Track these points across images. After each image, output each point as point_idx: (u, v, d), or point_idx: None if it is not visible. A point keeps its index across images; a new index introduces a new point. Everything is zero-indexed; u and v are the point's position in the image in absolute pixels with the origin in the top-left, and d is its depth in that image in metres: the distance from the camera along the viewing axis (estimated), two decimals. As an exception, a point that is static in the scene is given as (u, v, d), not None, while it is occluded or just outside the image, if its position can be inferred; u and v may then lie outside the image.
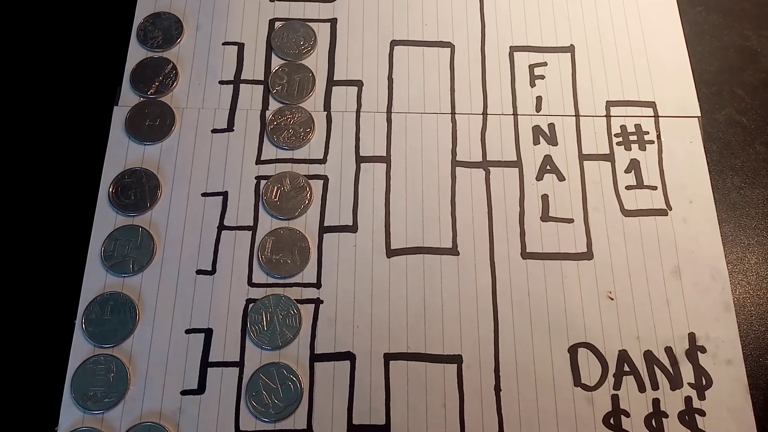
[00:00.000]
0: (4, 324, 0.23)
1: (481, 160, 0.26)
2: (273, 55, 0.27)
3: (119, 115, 0.26)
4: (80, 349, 0.22)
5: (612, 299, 0.24)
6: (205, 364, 0.22)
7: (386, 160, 0.26)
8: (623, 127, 0.27)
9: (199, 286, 0.23)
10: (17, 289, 0.23)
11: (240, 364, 0.22)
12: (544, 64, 0.27)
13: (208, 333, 0.23)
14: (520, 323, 0.23)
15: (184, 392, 0.22)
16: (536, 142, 0.26)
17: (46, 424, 0.21)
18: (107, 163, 0.25)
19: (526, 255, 0.24)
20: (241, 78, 0.27)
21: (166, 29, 0.27)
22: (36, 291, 0.23)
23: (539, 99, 0.27)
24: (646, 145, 0.27)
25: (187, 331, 0.23)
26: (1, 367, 0.22)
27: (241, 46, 0.27)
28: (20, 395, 0.22)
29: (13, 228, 0.24)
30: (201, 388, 0.22)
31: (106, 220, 0.24)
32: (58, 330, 0.22)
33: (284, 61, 0.27)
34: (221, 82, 0.26)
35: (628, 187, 0.26)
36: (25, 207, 0.24)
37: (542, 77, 0.27)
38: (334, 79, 0.27)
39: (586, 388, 0.22)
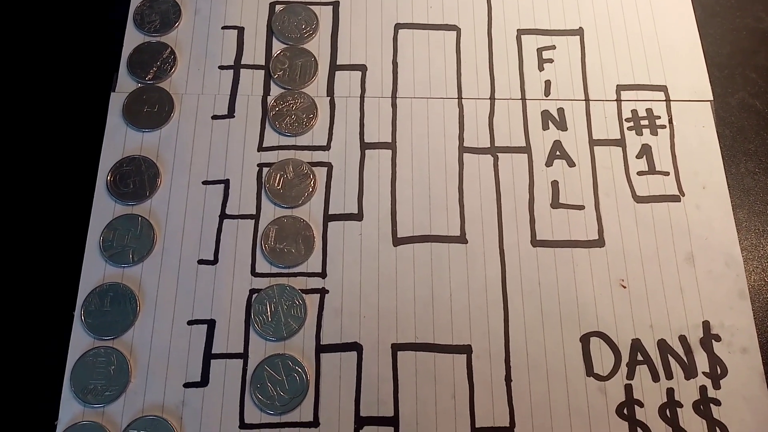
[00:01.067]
0: (2, 317, 0.22)
1: (489, 145, 0.25)
2: (274, 39, 0.26)
3: (117, 101, 0.25)
4: (80, 341, 0.22)
5: (624, 287, 0.23)
6: (208, 356, 0.21)
7: (391, 146, 0.25)
8: (634, 112, 0.26)
9: (201, 276, 0.23)
10: (14, 280, 0.23)
11: (244, 356, 0.22)
12: (553, 47, 0.27)
13: (211, 324, 0.22)
14: (531, 312, 0.23)
15: (186, 385, 0.21)
16: (545, 127, 0.26)
17: (46, 419, 0.21)
18: (105, 151, 0.24)
19: (536, 243, 0.24)
20: (242, 63, 0.26)
21: (163, 13, 0.26)
22: (33, 282, 0.22)
23: (548, 83, 0.26)
24: (658, 129, 0.26)
25: (190, 323, 0.22)
26: (0, 361, 0.22)
27: (241, 30, 0.26)
28: (19, 389, 0.21)
29: (9, 218, 0.23)
30: (204, 381, 0.21)
31: (104, 209, 0.23)
32: (56, 322, 0.22)
33: (286, 46, 0.26)
34: (221, 67, 0.26)
35: (639, 173, 0.25)
36: (22, 196, 0.24)
37: (551, 61, 0.27)
38: (337, 63, 0.26)
39: (598, 378, 0.22)
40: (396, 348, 0.22)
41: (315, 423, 0.21)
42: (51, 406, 0.21)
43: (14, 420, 0.21)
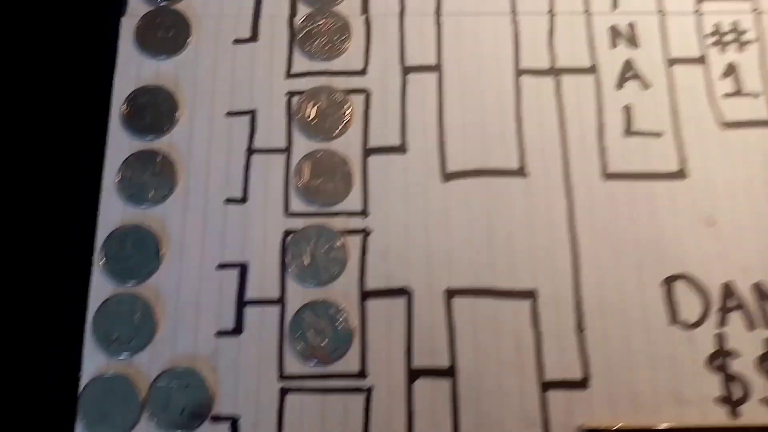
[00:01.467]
0: (16, 264, 0.20)
1: (549, 66, 0.22)
2: (300, -49, 0.24)
3: (128, 26, 0.22)
4: (100, 288, 0.20)
5: (712, 224, 0.20)
6: (242, 302, 0.20)
7: (437, 69, 0.22)
8: (717, 26, 0.23)
9: (230, 216, 0.20)
10: (26, 225, 0.21)
11: (281, 302, 0.20)
12: (619, -48, 0.24)
13: (243, 268, 0.20)
14: (604, 253, 0.20)
15: (219, 333, 0.19)
16: (614, 44, 0.22)
17: (69, 372, 0.19)
18: (117, 82, 0.22)
19: (607, 175, 0.21)
20: (264, -21, 0.24)
21: (175, -73, 0.24)
22: (48, 227, 0.20)
23: (615, -5, 0.24)
24: (746, 46, 0.23)
25: (219, 267, 0.20)
26: (16, 312, 0.20)
27: (262, -57, 0.24)
28: (39, 341, 0.19)
29: (16, 155, 0.21)
30: (238, 329, 0.19)
31: (119, 145, 0.21)
32: (74, 269, 0.20)
33: (313, -42, 0.24)
34: (241, -16, 0.24)
35: (725, 95, 0.22)
36: (29, 131, 0.21)
37: (617, -31, 0.24)
38: (372, -23, 0.24)
39: (685, 326, 0.19)
40: (450, 294, 0.20)
41: (362, 374, 0.19)
42: (74, 359, 0.19)
43: (36, 374, 0.19)
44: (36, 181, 0.21)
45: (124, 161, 0.21)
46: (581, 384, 0.19)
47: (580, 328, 0.19)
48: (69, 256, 0.20)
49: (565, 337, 0.19)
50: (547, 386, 0.19)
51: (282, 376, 0.19)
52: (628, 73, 0.22)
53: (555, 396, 0.19)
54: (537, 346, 0.19)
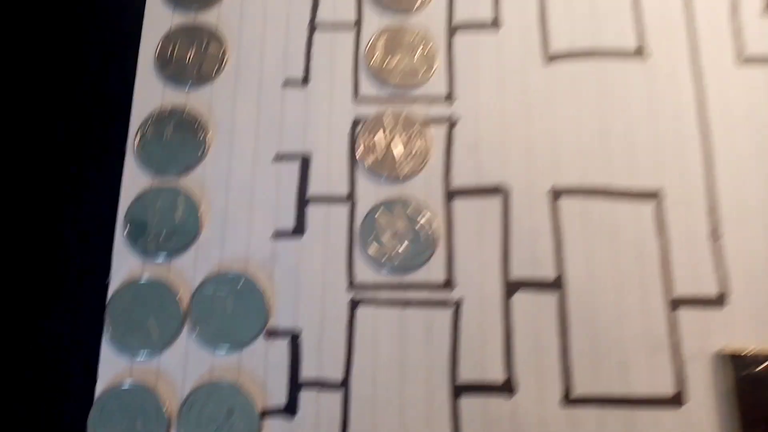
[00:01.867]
0: (39, 142, 0.17)
1: (670, -67, 0.20)
2: None
3: None
4: (135, 179, 0.17)
5: None
6: (303, 199, 0.17)
7: (535, -66, 0.20)
8: None
9: (289, 100, 0.17)
10: (52, 98, 0.18)
11: (350, 200, 0.17)
12: None
13: (305, 160, 0.17)
14: (742, 148, 0.17)
15: (277, 234, 0.16)
16: None
17: (97, 275, 0.16)
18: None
19: (744, 59, 0.18)
20: None
21: None
22: (75, 104, 0.18)
23: None
24: None
25: (277, 158, 0.17)
26: (38, 203, 0.17)
27: None
28: (62, 238, 0.17)
29: (49, 26, 0.18)
30: (299, 229, 0.16)
31: (159, 16, 0.18)
32: (106, 155, 0.17)
33: None
34: None
35: None
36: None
37: None
38: None
39: None
40: (556, 194, 0.17)
41: (449, 284, 0.16)
42: (102, 259, 0.16)
43: (58, 274, 0.16)
44: (68, 53, 0.18)
45: (164, 35, 0.18)
46: (717, 301, 0.16)
47: (715, 235, 0.16)
48: (99, 140, 0.17)
49: (697, 246, 0.16)
50: (676, 304, 0.16)
51: (352, 285, 0.16)
52: (766, -58, 0.20)
53: (686, 315, 0.16)
54: (663, 257, 0.16)
